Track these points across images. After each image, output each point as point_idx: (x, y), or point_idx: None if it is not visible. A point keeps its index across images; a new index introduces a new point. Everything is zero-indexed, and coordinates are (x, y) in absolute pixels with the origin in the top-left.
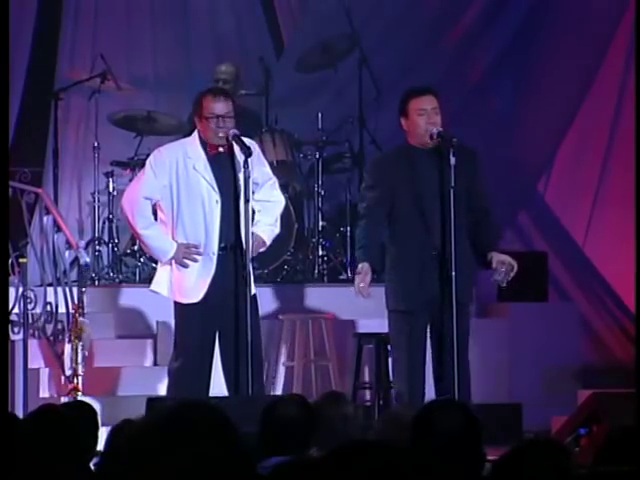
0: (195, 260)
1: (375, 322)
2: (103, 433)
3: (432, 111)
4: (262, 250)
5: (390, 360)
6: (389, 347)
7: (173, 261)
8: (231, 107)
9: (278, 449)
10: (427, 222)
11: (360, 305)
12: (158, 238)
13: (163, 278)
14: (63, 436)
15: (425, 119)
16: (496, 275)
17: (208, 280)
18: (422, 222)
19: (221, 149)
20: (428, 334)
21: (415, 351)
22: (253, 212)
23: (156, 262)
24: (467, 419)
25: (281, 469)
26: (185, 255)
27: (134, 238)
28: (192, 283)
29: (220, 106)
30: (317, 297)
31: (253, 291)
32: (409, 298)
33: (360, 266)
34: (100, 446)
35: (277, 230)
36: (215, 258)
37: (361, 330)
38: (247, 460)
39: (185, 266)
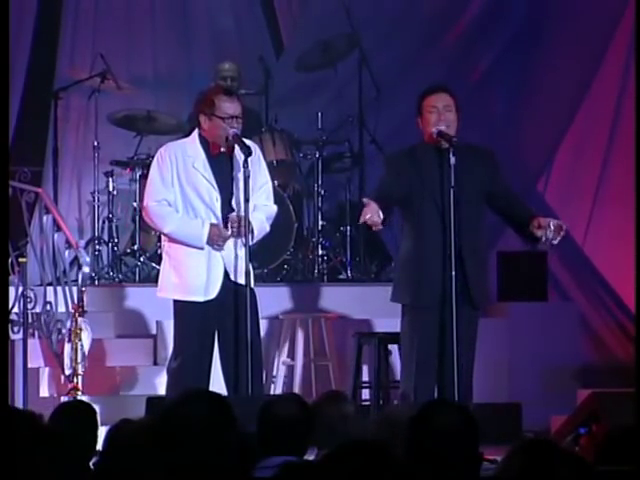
0: (221, 245)
1: (375, 322)
2: (103, 432)
3: (444, 108)
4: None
5: (390, 361)
6: (388, 346)
7: (173, 264)
8: (241, 108)
9: (275, 449)
10: (443, 220)
11: (360, 305)
12: (183, 228)
13: (165, 281)
14: (61, 437)
15: (435, 116)
16: (547, 233)
17: (220, 276)
18: (439, 220)
19: (223, 149)
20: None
21: (429, 348)
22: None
23: (156, 262)
24: (464, 419)
25: (284, 470)
26: (219, 236)
27: (134, 237)
28: (204, 281)
29: (234, 106)
30: (317, 296)
31: (252, 284)
32: (423, 293)
33: (365, 200)
34: (99, 445)
35: (267, 228)
36: (221, 254)
37: (361, 330)
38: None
39: (219, 249)
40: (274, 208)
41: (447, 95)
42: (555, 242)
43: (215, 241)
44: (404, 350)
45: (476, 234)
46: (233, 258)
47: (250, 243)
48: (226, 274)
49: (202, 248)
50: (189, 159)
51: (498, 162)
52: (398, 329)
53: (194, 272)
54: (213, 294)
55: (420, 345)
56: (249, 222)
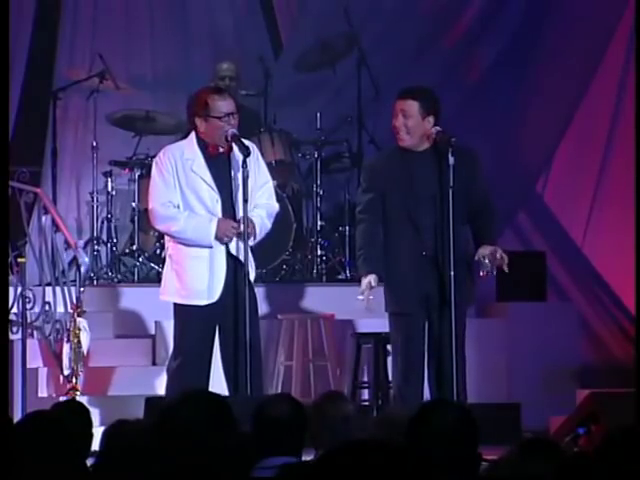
0: (230, 238)
1: (374, 322)
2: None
3: (400, 112)
4: (250, 243)
5: (389, 361)
6: (387, 346)
7: (175, 268)
8: (234, 105)
9: (271, 450)
10: (419, 223)
11: (359, 305)
12: (191, 226)
13: (168, 285)
14: (56, 437)
15: (394, 119)
16: (481, 267)
17: (222, 279)
18: (413, 223)
19: (221, 149)
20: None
21: (413, 353)
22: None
23: (155, 262)
24: (463, 419)
25: (284, 471)
26: (228, 229)
27: (132, 238)
28: (206, 285)
29: (228, 104)
30: (316, 297)
31: (252, 275)
32: (404, 300)
33: (366, 280)
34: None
35: (268, 225)
36: (224, 256)
37: (360, 330)
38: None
39: (229, 241)
40: (276, 206)
41: (410, 101)
42: (494, 273)
43: (225, 234)
44: (393, 354)
45: (459, 235)
46: (236, 249)
47: (253, 242)
48: (228, 275)
49: (211, 246)
50: (188, 162)
51: (480, 164)
52: None
53: (196, 276)
54: (215, 297)
55: (407, 349)
56: (251, 221)
